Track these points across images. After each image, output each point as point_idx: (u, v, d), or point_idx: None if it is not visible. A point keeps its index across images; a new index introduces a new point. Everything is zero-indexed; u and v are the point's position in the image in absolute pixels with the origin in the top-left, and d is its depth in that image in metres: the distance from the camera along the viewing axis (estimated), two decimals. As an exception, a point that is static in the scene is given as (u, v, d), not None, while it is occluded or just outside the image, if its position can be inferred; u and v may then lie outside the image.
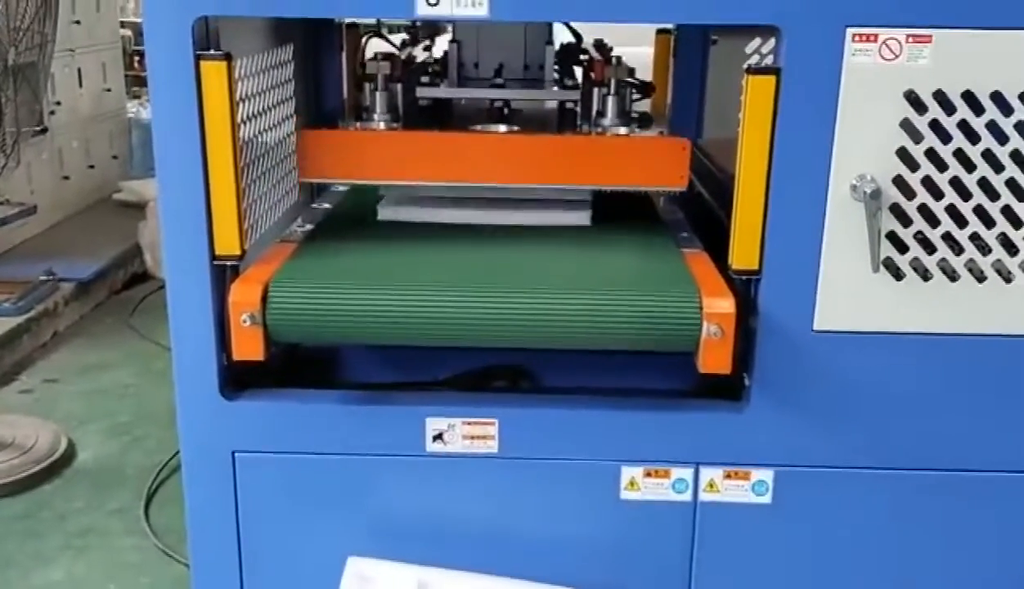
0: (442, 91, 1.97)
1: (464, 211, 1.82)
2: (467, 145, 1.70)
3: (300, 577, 1.61)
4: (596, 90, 1.80)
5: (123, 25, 6.22)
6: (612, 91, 1.78)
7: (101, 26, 5.62)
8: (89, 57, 5.47)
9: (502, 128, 1.80)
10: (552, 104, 2.02)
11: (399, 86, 1.82)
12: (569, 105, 1.93)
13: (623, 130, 1.75)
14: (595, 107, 1.80)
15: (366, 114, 1.81)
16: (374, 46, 2.27)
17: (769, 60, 1.70)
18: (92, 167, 5.51)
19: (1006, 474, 1.56)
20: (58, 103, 5.10)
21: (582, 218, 1.80)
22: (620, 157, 1.68)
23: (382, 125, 1.78)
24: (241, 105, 1.57)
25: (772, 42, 1.47)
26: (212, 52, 1.41)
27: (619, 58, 1.89)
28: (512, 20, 1.43)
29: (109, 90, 5.74)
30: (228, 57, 1.41)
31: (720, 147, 2.13)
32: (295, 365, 1.76)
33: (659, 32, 2.50)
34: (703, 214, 2.08)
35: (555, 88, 1.99)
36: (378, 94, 1.79)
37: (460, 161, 1.68)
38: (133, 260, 4.74)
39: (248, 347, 1.44)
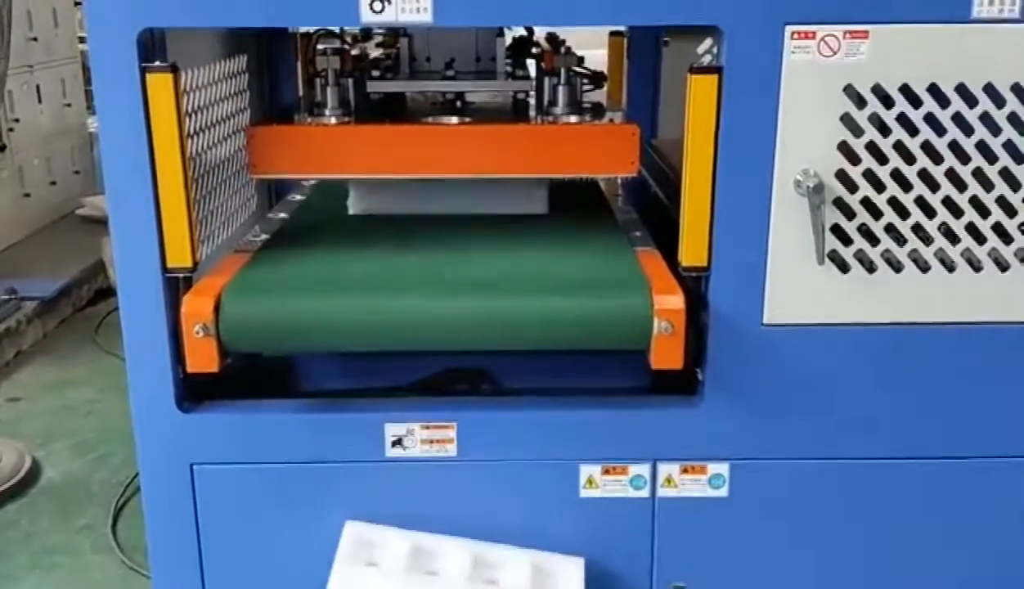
0: (393, 85, 1.94)
1: (422, 201, 1.82)
2: (417, 137, 1.67)
3: (262, 587, 1.61)
4: (547, 80, 1.79)
5: (82, 40, 6.17)
6: (563, 81, 1.76)
7: (59, 42, 5.57)
8: (48, 73, 5.43)
9: (454, 120, 1.75)
10: (505, 96, 2.00)
11: (350, 81, 1.80)
12: (521, 96, 1.92)
13: (574, 118, 1.73)
14: (546, 97, 1.79)
15: (317, 109, 1.77)
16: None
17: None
18: (54, 183, 5.45)
19: (957, 460, 1.59)
20: (17, 120, 5.05)
21: (540, 204, 1.85)
22: (571, 145, 1.67)
23: (333, 119, 1.73)
24: (192, 116, 1.56)
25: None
26: (158, 64, 1.41)
27: (569, 48, 1.89)
28: (457, 25, 1.44)
29: (69, 105, 5.70)
30: (174, 69, 1.41)
31: (673, 147, 2.15)
32: (255, 375, 1.76)
33: (612, 34, 2.52)
34: (658, 213, 2.10)
35: (507, 79, 1.98)
36: (329, 89, 1.75)
37: (411, 153, 1.65)
38: (97, 276, 4.68)
39: (202, 359, 1.44)
